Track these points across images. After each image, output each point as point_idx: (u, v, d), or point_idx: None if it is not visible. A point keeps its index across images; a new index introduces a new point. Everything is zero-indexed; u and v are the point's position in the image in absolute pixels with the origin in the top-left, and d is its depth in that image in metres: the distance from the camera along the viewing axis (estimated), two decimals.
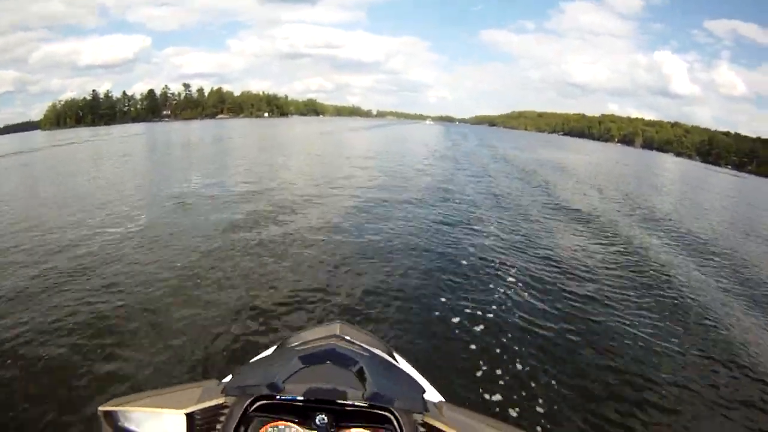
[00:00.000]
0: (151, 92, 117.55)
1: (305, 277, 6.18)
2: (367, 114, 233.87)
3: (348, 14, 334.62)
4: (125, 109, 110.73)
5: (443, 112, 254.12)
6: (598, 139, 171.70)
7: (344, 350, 1.11)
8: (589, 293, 6.78)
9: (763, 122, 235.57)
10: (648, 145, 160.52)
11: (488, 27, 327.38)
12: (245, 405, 0.98)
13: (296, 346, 1.15)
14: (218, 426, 0.98)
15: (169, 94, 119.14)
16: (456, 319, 5.45)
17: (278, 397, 0.97)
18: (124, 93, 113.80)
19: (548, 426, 3.70)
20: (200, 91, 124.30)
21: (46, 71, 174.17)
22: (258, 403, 0.99)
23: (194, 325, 4.69)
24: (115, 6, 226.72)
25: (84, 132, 63.40)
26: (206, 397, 1.02)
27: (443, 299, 5.96)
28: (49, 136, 61.45)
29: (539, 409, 3.90)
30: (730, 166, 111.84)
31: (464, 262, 7.64)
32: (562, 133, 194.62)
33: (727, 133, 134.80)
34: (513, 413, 3.66)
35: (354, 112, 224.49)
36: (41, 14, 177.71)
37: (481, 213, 12.11)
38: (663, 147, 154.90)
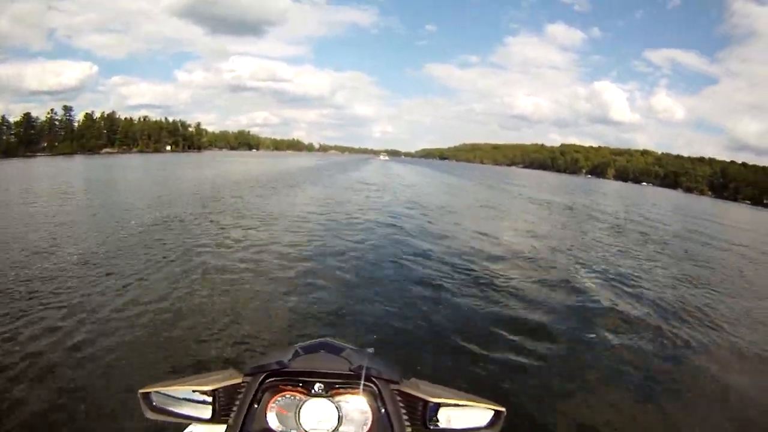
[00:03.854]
0: (26, 117, 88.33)
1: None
2: (308, 148, 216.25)
3: (294, 48, 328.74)
4: None
5: (388, 146, 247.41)
6: (564, 171, 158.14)
7: (335, 343, 1.34)
8: None
9: (704, 145, 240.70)
10: (621, 176, 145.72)
11: (433, 61, 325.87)
12: (259, 380, 1.18)
13: (294, 345, 1.34)
14: (237, 400, 1.18)
15: (56, 120, 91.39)
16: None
17: (284, 370, 1.18)
18: (3, 117, 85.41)
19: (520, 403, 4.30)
20: (88, 116, 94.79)
21: None
22: (269, 380, 1.19)
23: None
24: (63, 28, 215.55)
25: None
26: (228, 377, 1.23)
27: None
28: None
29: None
30: (749, 202, 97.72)
31: None
32: (522, 165, 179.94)
33: (744, 164, 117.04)
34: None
35: (293, 145, 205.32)
36: None
37: None
38: (639, 178, 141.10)
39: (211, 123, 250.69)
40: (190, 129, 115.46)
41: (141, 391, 1.21)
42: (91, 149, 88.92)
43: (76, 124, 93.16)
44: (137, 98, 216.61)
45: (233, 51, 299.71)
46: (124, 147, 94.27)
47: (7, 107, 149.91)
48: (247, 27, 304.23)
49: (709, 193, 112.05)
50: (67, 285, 6.86)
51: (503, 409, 1.20)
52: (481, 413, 1.20)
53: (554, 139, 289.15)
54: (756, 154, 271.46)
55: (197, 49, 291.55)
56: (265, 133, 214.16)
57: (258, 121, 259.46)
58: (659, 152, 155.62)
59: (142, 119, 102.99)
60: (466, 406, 1.20)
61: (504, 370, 4.98)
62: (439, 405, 1.18)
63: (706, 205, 62.12)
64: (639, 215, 27.28)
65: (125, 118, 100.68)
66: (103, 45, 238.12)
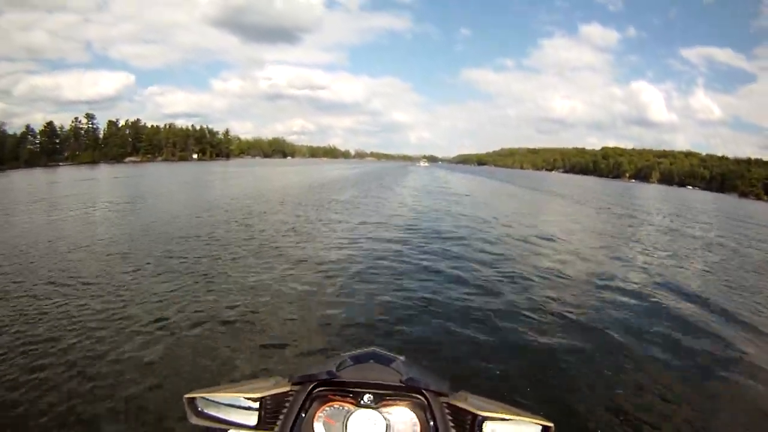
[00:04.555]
0: (50, 126, 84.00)
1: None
2: (344, 155, 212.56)
3: (329, 55, 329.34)
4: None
5: (424, 152, 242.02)
6: (607, 176, 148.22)
7: (384, 353, 1.33)
8: None
9: (740, 144, 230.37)
10: (666, 179, 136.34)
11: (468, 66, 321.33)
12: (308, 390, 1.18)
13: (343, 353, 1.35)
14: (285, 408, 1.17)
15: (80, 128, 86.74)
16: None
17: (334, 380, 1.18)
18: (27, 127, 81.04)
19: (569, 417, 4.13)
20: (112, 123, 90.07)
21: (29, 104, 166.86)
22: (318, 389, 1.19)
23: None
24: (99, 40, 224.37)
25: None
26: (276, 385, 1.22)
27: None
28: None
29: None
30: None
31: None
32: (562, 170, 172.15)
33: None
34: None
35: (329, 152, 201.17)
36: (25, 45, 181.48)
37: None
38: (684, 181, 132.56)
39: (248, 131, 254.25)
40: (219, 136, 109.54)
41: (186, 396, 1.20)
42: (115, 158, 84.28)
43: (102, 133, 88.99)
44: (173, 107, 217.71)
45: (268, 59, 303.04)
46: (149, 155, 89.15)
47: (45, 117, 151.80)
48: (282, 35, 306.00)
49: (766, 197, 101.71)
50: (117, 293, 7.01)
51: (551, 425, 1.17)
52: (529, 428, 1.17)
53: (592, 142, 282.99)
54: None
55: (232, 57, 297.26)
56: (302, 141, 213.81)
57: (295, 128, 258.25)
58: (703, 153, 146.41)
59: (167, 126, 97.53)
60: (513, 420, 1.17)
61: (553, 384, 4.85)
62: (486, 419, 1.15)
63: None
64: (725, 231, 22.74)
65: (151, 126, 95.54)
66: (139, 55, 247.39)
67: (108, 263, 8.76)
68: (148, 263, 8.79)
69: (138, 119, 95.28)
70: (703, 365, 5.62)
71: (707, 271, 11.65)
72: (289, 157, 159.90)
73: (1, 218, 15.06)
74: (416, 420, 1.16)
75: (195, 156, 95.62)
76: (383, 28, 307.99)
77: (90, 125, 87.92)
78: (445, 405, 1.18)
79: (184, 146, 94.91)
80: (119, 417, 3.84)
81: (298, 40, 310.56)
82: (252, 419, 1.19)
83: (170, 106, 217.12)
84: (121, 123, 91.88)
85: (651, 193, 66.48)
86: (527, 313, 6.89)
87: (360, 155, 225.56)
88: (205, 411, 1.20)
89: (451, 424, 1.15)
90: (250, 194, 24.14)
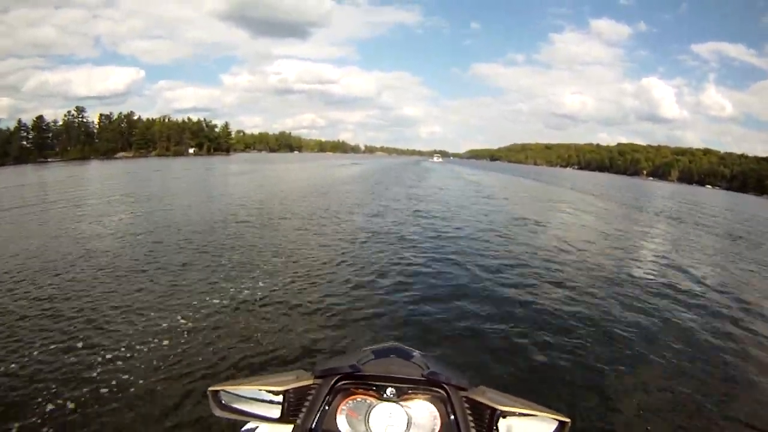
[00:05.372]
0: (40, 120, 78.98)
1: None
2: (354, 149, 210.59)
3: (339, 50, 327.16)
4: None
5: (435, 146, 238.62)
6: (624, 173, 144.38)
7: (405, 348, 1.35)
8: None
9: (751, 142, 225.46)
10: (685, 178, 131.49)
11: (478, 60, 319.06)
12: (331, 383, 1.19)
13: (364, 348, 1.36)
14: (308, 401, 1.18)
15: (74, 123, 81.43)
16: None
17: (357, 373, 1.19)
18: (20, 122, 77.80)
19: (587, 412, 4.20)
20: (105, 117, 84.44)
21: (38, 100, 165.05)
22: (341, 383, 1.20)
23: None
24: (108, 35, 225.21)
25: None
26: (299, 379, 1.22)
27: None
28: None
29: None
30: None
31: None
32: (577, 166, 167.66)
33: None
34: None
35: (338, 146, 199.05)
36: (33, 41, 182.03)
37: None
38: (702, 180, 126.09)
39: (258, 126, 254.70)
40: (217, 129, 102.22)
41: (210, 389, 1.21)
42: (106, 153, 79.27)
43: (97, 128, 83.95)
44: (183, 102, 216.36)
45: (278, 54, 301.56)
46: (142, 150, 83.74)
47: (55, 113, 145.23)
48: (291, 29, 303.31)
49: None
50: (143, 288, 7.06)
51: (568, 420, 1.17)
52: (546, 423, 1.19)
53: (602, 138, 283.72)
54: None
55: (242, 52, 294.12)
56: (312, 136, 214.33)
57: (305, 123, 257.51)
58: (721, 151, 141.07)
59: (162, 119, 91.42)
60: (531, 415, 1.19)
61: (571, 379, 4.90)
62: (505, 413, 1.17)
63: None
64: None
65: (147, 119, 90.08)
66: (149, 51, 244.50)
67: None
68: (166, 257, 8.93)
69: (132, 112, 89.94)
70: (719, 362, 5.66)
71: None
72: (296, 152, 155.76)
73: None
74: (437, 413, 1.18)
75: (191, 151, 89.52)
76: (393, 22, 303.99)
77: (81, 119, 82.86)
78: (464, 399, 1.19)
79: (179, 140, 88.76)
80: (143, 410, 3.85)
81: (307, 35, 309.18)
82: (275, 412, 1.19)
83: (180, 101, 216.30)
84: (115, 116, 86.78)
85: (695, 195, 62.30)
86: (548, 310, 6.97)
87: (370, 150, 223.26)
88: (229, 404, 1.22)
89: (470, 418, 1.16)
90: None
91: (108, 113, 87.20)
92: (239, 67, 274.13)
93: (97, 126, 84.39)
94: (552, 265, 10.07)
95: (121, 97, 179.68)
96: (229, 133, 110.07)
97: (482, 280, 8.38)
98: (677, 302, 7.98)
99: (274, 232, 12.12)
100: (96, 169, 47.93)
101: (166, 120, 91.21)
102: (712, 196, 66.19)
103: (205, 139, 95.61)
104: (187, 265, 8.35)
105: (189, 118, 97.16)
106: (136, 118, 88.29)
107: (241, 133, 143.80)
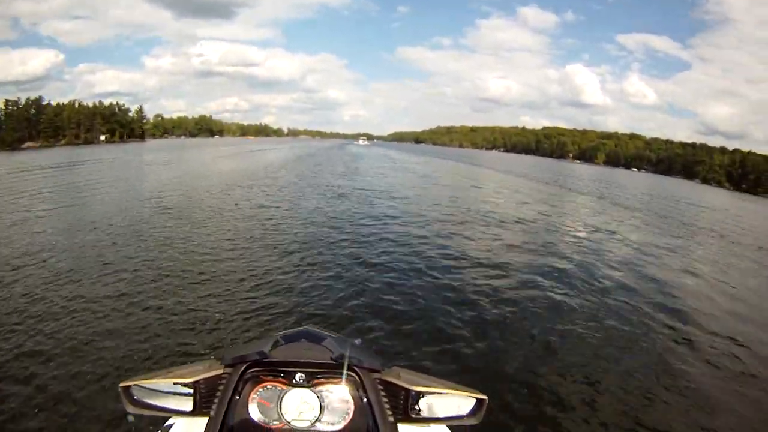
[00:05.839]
0: None
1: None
2: (276, 133, 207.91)
3: (264, 31, 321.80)
4: None
5: (359, 129, 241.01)
6: (550, 156, 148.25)
7: (316, 331, 1.33)
8: None
9: (672, 128, 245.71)
10: (612, 161, 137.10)
11: (405, 44, 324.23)
12: (240, 371, 1.18)
13: (274, 334, 1.35)
14: (219, 392, 1.16)
15: None
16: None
17: (265, 360, 1.18)
18: None
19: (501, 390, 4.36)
20: (12, 102, 77.02)
21: None
22: (250, 371, 1.19)
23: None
24: (27, 15, 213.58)
25: None
26: (209, 368, 1.21)
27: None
28: None
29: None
30: None
31: None
32: (503, 149, 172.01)
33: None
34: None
35: (261, 131, 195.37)
36: None
37: None
38: (629, 163, 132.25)
39: (180, 110, 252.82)
40: (131, 114, 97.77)
41: (121, 384, 1.19)
42: (11, 144, 75.21)
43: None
44: (104, 86, 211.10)
45: (202, 35, 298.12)
46: (51, 139, 79.70)
47: None
48: (216, 9, 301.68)
49: (727, 185, 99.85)
50: (47, 281, 6.90)
51: (485, 397, 1.18)
52: (464, 401, 1.20)
53: (525, 121, 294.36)
54: (726, 138, 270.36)
55: (165, 33, 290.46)
56: (235, 119, 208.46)
57: (228, 107, 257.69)
58: (647, 136, 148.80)
59: (71, 104, 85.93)
60: (448, 394, 1.19)
61: (486, 358, 5.05)
62: (420, 393, 1.17)
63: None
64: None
65: (57, 104, 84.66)
66: (70, 32, 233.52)
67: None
68: (67, 247, 8.89)
69: (41, 97, 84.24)
70: (618, 337, 6.03)
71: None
72: (216, 137, 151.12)
73: None
74: (349, 397, 1.18)
75: (102, 138, 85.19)
76: (319, 3, 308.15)
77: None
78: (378, 381, 1.18)
79: (90, 126, 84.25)
80: (51, 413, 3.70)
81: (232, 15, 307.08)
82: (188, 405, 1.17)
83: (101, 85, 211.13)
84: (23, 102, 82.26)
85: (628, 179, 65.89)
86: (461, 290, 7.25)
87: (293, 133, 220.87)
88: (141, 399, 1.19)
89: (385, 400, 1.15)
90: None
91: (16, 98, 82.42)
92: (163, 49, 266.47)
93: (3, 114, 79.63)
94: (471, 244, 10.64)
95: (39, 81, 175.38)
96: (143, 118, 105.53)
97: (404, 263, 8.55)
98: (594, 281, 8.41)
99: (184, 227, 11.38)
100: None
101: (77, 105, 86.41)
102: (644, 179, 70.24)
103: (117, 125, 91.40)
104: (91, 263, 7.89)
105: (101, 102, 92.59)
106: (45, 103, 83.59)
107: (159, 118, 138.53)
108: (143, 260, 8.07)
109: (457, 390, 1.19)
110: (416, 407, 1.17)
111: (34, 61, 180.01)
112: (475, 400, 1.18)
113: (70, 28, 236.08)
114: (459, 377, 3.35)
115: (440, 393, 1.18)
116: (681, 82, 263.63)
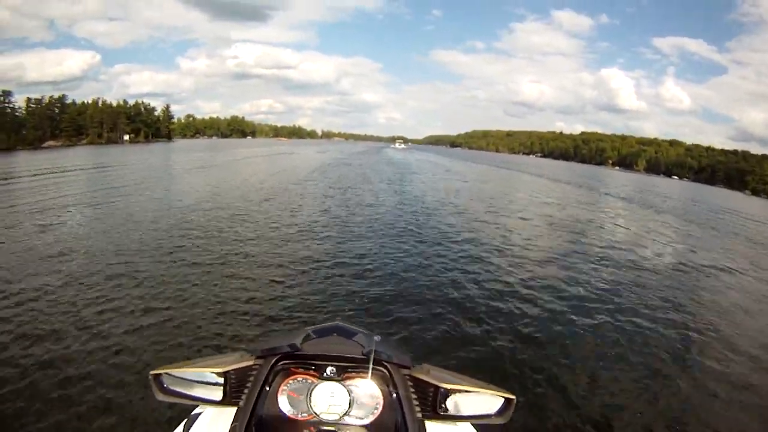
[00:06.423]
0: None
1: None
2: (310, 135, 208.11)
3: (299, 34, 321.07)
4: None
5: (393, 132, 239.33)
6: (589, 162, 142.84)
7: (348, 326, 1.35)
8: None
9: (708, 134, 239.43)
10: (653, 168, 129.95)
11: (438, 47, 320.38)
12: (271, 363, 1.19)
13: (307, 327, 1.35)
14: (249, 382, 1.17)
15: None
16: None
17: (296, 353, 1.19)
18: None
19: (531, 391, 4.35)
20: (35, 101, 74.09)
21: None
22: (281, 363, 1.20)
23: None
24: (62, 17, 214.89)
25: None
26: (240, 359, 1.22)
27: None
28: None
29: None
30: None
31: None
32: (540, 154, 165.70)
33: None
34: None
35: (294, 132, 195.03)
36: None
37: None
38: (670, 171, 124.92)
39: (216, 111, 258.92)
40: (156, 113, 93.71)
41: (152, 372, 1.20)
42: (33, 143, 71.90)
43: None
44: (140, 87, 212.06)
45: (236, 37, 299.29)
46: (73, 138, 75.97)
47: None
48: (250, 12, 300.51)
49: None
50: (85, 277, 6.94)
51: (513, 397, 1.18)
52: (492, 400, 1.20)
53: (560, 126, 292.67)
54: (761, 145, 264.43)
55: (200, 35, 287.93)
56: (270, 121, 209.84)
57: (263, 108, 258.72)
58: (687, 142, 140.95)
59: (95, 102, 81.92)
60: (476, 392, 1.19)
61: (516, 358, 5.01)
62: (449, 391, 1.17)
63: None
64: None
65: (81, 102, 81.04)
66: (105, 33, 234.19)
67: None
68: (107, 246, 8.90)
69: (64, 95, 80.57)
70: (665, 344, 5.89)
71: None
72: (248, 137, 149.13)
73: None
74: (378, 392, 1.18)
75: (126, 138, 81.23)
76: (354, 7, 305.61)
77: (6, 104, 74.99)
78: (407, 377, 1.19)
79: (113, 126, 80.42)
80: (83, 400, 3.81)
81: (267, 18, 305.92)
82: (217, 394, 1.17)
83: (136, 86, 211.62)
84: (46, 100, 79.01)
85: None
86: (496, 293, 7.13)
87: (327, 135, 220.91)
88: (171, 387, 1.19)
89: (414, 396, 1.15)
90: None
91: (39, 97, 79.18)
92: (197, 51, 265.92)
93: (24, 112, 76.37)
94: (509, 251, 10.41)
95: (76, 81, 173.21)
96: (171, 117, 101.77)
97: (438, 268, 8.38)
98: (631, 290, 8.18)
99: (221, 222, 11.82)
100: None
101: (101, 103, 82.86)
102: (689, 189, 66.99)
103: (142, 125, 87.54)
104: (129, 260, 7.94)
105: (125, 101, 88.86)
106: (69, 101, 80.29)
107: (191, 118, 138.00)
108: (173, 250, 8.54)
109: (486, 389, 1.18)
110: (444, 405, 1.16)
111: (70, 62, 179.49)
112: (503, 400, 1.17)
113: (105, 29, 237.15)
114: (487, 375, 2.85)
115: (469, 391, 1.17)
116: (716, 86, 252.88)
